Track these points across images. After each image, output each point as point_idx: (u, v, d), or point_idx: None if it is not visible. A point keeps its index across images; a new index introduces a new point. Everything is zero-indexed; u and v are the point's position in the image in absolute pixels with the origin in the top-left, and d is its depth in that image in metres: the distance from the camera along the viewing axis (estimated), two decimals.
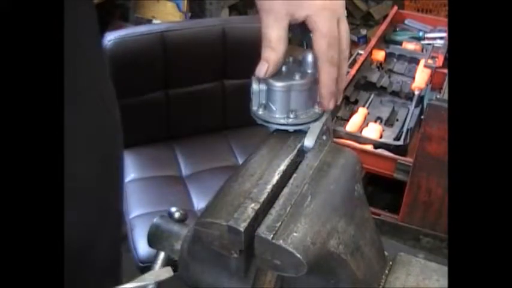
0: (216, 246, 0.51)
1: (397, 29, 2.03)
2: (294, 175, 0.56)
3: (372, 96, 1.67)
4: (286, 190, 0.54)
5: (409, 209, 1.33)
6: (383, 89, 1.69)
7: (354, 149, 1.33)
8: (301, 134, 0.60)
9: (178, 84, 1.68)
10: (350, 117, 1.56)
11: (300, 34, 0.59)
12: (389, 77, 1.75)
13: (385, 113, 1.61)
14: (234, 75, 1.67)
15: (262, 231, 0.49)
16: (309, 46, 0.58)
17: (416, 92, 1.61)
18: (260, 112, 0.60)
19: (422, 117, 1.36)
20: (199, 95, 1.71)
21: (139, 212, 1.46)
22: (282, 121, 0.59)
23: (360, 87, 1.68)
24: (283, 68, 0.59)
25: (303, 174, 0.56)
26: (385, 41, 1.95)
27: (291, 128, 0.60)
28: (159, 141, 1.71)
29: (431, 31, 1.99)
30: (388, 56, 1.83)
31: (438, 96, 1.20)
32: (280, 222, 0.50)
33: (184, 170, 1.64)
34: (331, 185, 0.55)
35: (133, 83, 1.58)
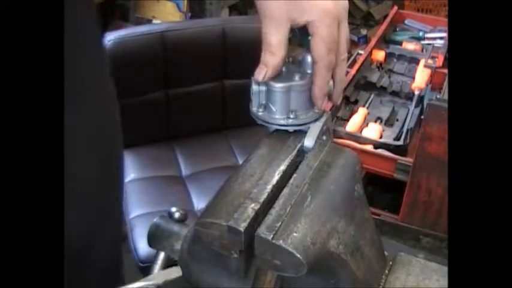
0: (216, 246, 0.51)
1: (397, 29, 2.03)
2: (294, 175, 0.56)
3: (372, 96, 1.67)
4: (286, 190, 0.54)
5: (409, 209, 1.33)
6: (383, 89, 1.69)
7: (354, 149, 1.33)
8: (301, 134, 0.60)
9: (178, 84, 1.68)
10: (350, 117, 1.56)
11: (299, 36, 0.60)
12: (389, 77, 1.75)
13: (385, 113, 1.61)
14: (234, 75, 1.67)
15: (262, 231, 0.49)
16: (308, 48, 0.58)
17: (416, 92, 1.61)
18: (260, 113, 0.60)
19: (422, 117, 1.36)
20: (199, 95, 1.72)
21: (139, 212, 1.46)
22: (282, 121, 0.59)
23: (360, 87, 1.68)
24: (283, 69, 0.60)
25: (303, 175, 0.56)
26: (385, 41, 1.95)
27: (290, 129, 0.60)
28: (159, 141, 1.71)
29: (431, 31, 1.99)
30: (388, 56, 1.83)
31: (438, 96, 1.20)
32: (280, 222, 0.50)
33: (184, 170, 1.64)
34: (331, 185, 0.55)
35: (134, 83, 1.58)
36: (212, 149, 1.71)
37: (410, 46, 1.89)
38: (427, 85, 1.63)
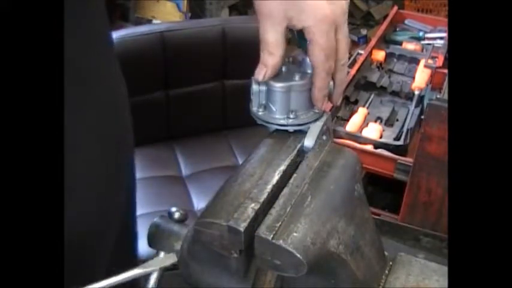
0: (216, 246, 0.51)
1: (397, 29, 2.03)
2: (294, 175, 0.56)
3: (372, 96, 1.67)
4: (286, 190, 0.54)
5: (409, 209, 1.33)
6: (383, 89, 1.68)
7: (354, 149, 1.33)
8: (301, 134, 0.60)
9: (178, 84, 1.68)
10: (350, 117, 1.56)
11: (297, 39, 0.59)
12: (389, 77, 1.75)
13: (385, 113, 1.60)
14: (234, 75, 1.67)
15: (262, 231, 0.49)
16: (306, 52, 0.58)
17: (416, 92, 1.61)
18: (260, 112, 0.60)
19: (422, 117, 1.36)
20: (199, 95, 1.72)
21: (140, 212, 1.45)
22: (282, 121, 0.59)
23: (360, 87, 1.68)
24: (283, 69, 0.60)
25: (303, 175, 0.56)
26: (385, 41, 1.95)
27: (291, 128, 0.60)
28: (159, 141, 1.71)
29: (431, 31, 1.99)
30: (388, 56, 1.83)
31: (438, 96, 1.20)
32: (280, 222, 0.50)
33: (184, 170, 1.64)
34: (331, 185, 0.55)
35: (133, 83, 1.58)
36: (212, 149, 1.71)
37: (410, 46, 1.89)
38: (427, 85, 1.62)
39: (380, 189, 1.61)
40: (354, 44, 2.96)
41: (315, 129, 0.60)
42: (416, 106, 1.58)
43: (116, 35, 1.55)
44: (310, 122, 0.60)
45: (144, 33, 1.62)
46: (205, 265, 0.57)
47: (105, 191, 0.67)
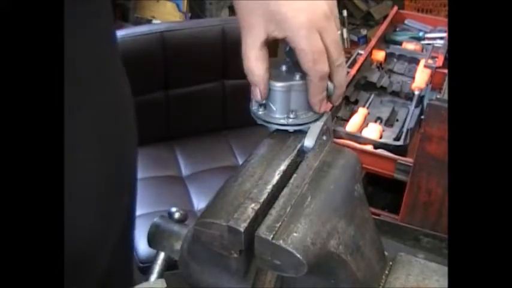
0: (216, 246, 0.51)
1: (397, 29, 2.03)
2: (294, 175, 0.56)
3: (372, 96, 1.67)
4: (286, 190, 0.54)
5: (409, 209, 1.33)
6: (383, 89, 1.68)
7: (354, 149, 1.33)
8: (301, 134, 0.60)
9: (178, 84, 1.68)
10: (350, 117, 1.56)
11: (286, 50, 0.59)
12: (389, 77, 1.75)
13: (385, 113, 1.60)
14: (234, 75, 1.67)
15: (262, 231, 0.49)
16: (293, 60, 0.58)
17: (416, 92, 1.61)
18: (260, 112, 0.60)
19: (422, 117, 1.36)
20: (199, 95, 1.72)
21: (140, 212, 1.46)
22: (282, 121, 0.59)
23: (360, 87, 1.68)
24: (283, 68, 0.60)
25: (303, 175, 0.56)
26: (385, 41, 1.95)
27: (291, 128, 0.60)
28: (159, 141, 1.71)
29: (431, 31, 1.99)
30: (388, 56, 1.83)
31: (438, 96, 1.20)
32: (280, 223, 0.50)
33: (184, 170, 1.64)
34: (331, 185, 0.55)
35: (133, 83, 1.58)
36: (212, 149, 1.71)
37: (410, 46, 1.89)
38: (427, 85, 1.62)
39: (380, 189, 1.61)
40: (354, 44, 2.96)
41: (315, 129, 0.60)
42: (416, 106, 1.58)
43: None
44: (310, 122, 0.60)
45: (144, 33, 1.62)
46: (205, 265, 0.57)
47: (105, 191, 0.67)
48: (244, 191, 0.53)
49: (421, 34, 1.97)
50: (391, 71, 1.79)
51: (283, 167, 0.56)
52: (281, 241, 0.48)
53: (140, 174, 1.58)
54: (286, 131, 0.60)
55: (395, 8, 2.11)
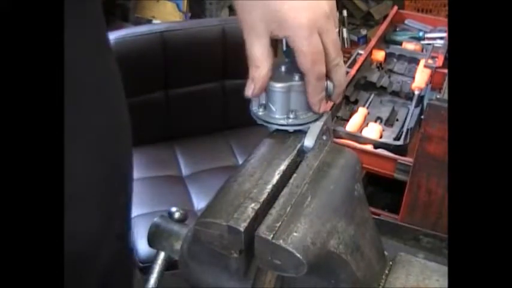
0: (216, 246, 0.51)
1: (397, 29, 2.03)
2: (294, 175, 0.56)
3: (372, 96, 1.67)
4: (286, 190, 0.54)
5: (409, 209, 1.33)
6: (383, 89, 1.69)
7: (354, 149, 1.33)
8: (301, 134, 0.60)
9: (178, 84, 1.68)
10: (350, 117, 1.56)
11: (285, 49, 0.59)
12: (389, 77, 1.75)
13: (385, 113, 1.61)
14: (234, 75, 1.67)
15: (262, 231, 0.49)
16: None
17: (416, 92, 1.61)
18: (260, 112, 0.60)
19: (422, 117, 1.36)
20: (199, 95, 1.71)
21: (140, 212, 1.46)
22: (282, 121, 0.59)
23: (360, 87, 1.68)
24: (283, 69, 0.60)
25: (303, 174, 0.56)
26: (385, 41, 1.95)
27: (290, 128, 0.60)
28: (159, 141, 1.71)
29: (431, 31, 1.99)
30: (388, 56, 1.83)
31: (438, 96, 1.20)
32: (280, 222, 0.50)
33: (184, 170, 1.64)
34: (331, 185, 0.55)
35: (134, 83, 1.58)
36: (212, 149, 1.71)
37: (410, 46, 1.89)
38: (427, 85, 1.63)
39: (380, 189, 1.61)
40: (354, 44, 2.96)
41: (315, 129, 0.60)
42: (416, 106, 1.58)
43: (116, 35, 1.55)
44: (310, 122, 0.60)
45: (144, 33, 1.61)
46: (205, 265, 0.57)
47: (105, 191, 0.67)
48: (244, 190, 0.53)
49: (421, 34, 1.98)
50: (391, 71, 1.79)
51: (283, 167, 0.56)
52: (281, 241, 0.48)
53: (140, 174, 1.59)
54: (286, 131, 0.60)
55: (395, 8, 2.11)
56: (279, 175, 0.55)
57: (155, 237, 0.61)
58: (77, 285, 0.65)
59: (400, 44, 1.92)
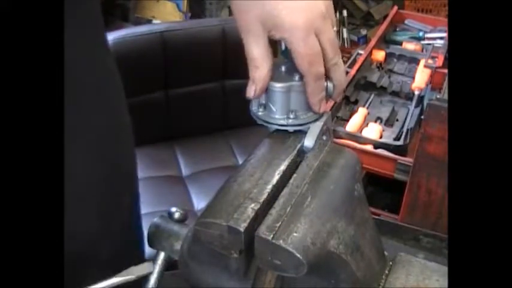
0: (216, 246, 0.51)
1: (397, 29, 2.03)
2: (294, 175, 0.56)
3: (372, 96, 1.67)
4: (286, 190, 0.54)
5: (409, 209, 1.33)
6: (383, 89, 1.69)
7: (354, 149, 1.33)
8: (301, 134, 0.60)
9: (178, 84, 1.68)
10: (350, 117, 1.56)
11: (282, 49, 0.59)
12: (389, 77, 1.75)
13: (385, 113, 1.61)
14: (234, 75, 1.67)
15: (262, 231, 0.49)
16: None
17: (416, 92, 1.61)
18: (260, 112, 0.60)
19: (422, 117, 1.36)
20: (199, 95, 1.71)
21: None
22: (282, 121, 0.59)
23: (360, 87, 1.68)
24: (283, 69, 0.60)
25: (303, 175, 0.56)
26: (385, 41, 1.95)
27: (291, 129, 0.60)
28: (159, 141, 1.71)
29: (431, 31, 1.99)
30: (388, 56, 1.83)
31: (438, 96, 1.20)
32: (280, 222, 0.50)
33: (184, 170, 1.64)
34: (331, 185, 0.55)
35: (133, 83, 1.58)
36: (212, 149, 1.71)
37: (410, 46, 1.89)
38: (427, 85, 1.63)
39: (380, 189, 1.61)
40: (354, 44, 2.96)
41: (315, 129, 0.60)
42: (416, 106, 1.58)
43: (116, 35, 1.55)
44: (310, 122, 0.60)
45: (144, 33, 1.61)
46: (205, 265, 0.57)
47: (105, 191, 0.67)
48: (244, 191, 0.53)
49: (421, 34, 1.98)
50: (391, 71, 1.79)
51: (283, 167, 0.56)
52: (281, 241, 0.48)
53: (140, 174, 1.58)
54: (286, 131, 0.60)
55: (395, 8, 2.11)
56: (279, 175, 0.55)
57: (155, 237, 0.61)
58: (77, 285, 0.65)
59: (400, 44, 1.92)
